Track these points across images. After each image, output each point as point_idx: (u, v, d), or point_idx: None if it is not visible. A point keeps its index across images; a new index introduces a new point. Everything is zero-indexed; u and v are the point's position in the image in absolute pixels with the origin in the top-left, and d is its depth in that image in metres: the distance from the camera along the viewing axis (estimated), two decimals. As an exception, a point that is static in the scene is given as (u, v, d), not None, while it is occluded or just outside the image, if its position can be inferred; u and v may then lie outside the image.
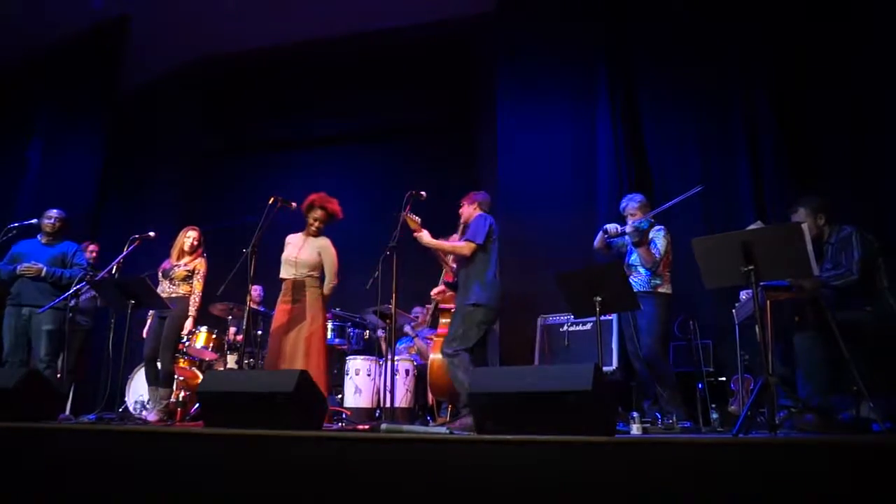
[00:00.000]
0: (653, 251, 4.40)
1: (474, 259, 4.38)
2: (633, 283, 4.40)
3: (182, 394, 5.86)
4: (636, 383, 4.79)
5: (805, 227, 3.06)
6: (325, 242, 4.74)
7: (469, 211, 4.69)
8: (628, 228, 4.37)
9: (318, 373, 4.25)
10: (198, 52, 8.53)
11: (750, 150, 5.54)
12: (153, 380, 5.14)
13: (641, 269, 4.47)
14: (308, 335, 4.51)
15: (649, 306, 4.34)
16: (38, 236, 5.38)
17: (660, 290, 4.42)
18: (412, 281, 5.31)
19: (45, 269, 5.15)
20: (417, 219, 4.48)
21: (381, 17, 7.81)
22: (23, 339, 5.12)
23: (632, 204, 4.59)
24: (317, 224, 4.76)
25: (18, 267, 5.13)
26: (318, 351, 4.50)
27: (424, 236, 4.51)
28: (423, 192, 4.48)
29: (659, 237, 4.46)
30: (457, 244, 4.49)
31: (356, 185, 7.79)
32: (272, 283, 5.62)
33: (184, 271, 5.24)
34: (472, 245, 4.34)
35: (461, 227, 4.76)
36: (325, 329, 4.69)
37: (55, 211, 5.42)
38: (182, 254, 5.36)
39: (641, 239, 4.33)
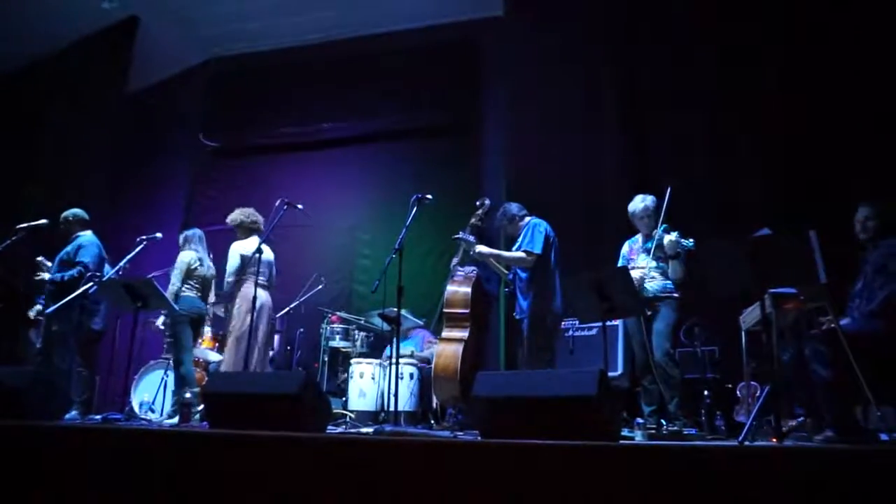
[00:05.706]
0: (681, 264, 4.32)
1: (536, 267, 4.45)
2: (648, 288, 4.38)
3: (187, 394, 5.88)
4: (641, 389, 4.75)
5: (813, 235, 3.03)
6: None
7: (513, 227, 4.73)
8: (667, 242, 4.20)
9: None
10: (205, 53, 8.57)
11: (755, 153, 5.51)
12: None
13: (655, 273, 4.40)
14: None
15: (668, 310, 4.32)
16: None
17: (675, 294, 4.38)
18: (418, 285, 5.30)
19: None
20: (471, 238, 4.63)
21: (390, 20, 7.83)
22: (47, 343, 5.18)
23: (648, 205, 4.50)
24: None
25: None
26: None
27: (481, 248, 4.63)
28: (428, 196, 4.48)
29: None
30: (517, 255, 4.52)
31: (362, 187, 7.78)
32: (279, 284, 5.64)
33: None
34: (532, 255, 4.43)
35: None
36: (242, 323, 4.91)
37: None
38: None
39: (677, 252, 4.24)
